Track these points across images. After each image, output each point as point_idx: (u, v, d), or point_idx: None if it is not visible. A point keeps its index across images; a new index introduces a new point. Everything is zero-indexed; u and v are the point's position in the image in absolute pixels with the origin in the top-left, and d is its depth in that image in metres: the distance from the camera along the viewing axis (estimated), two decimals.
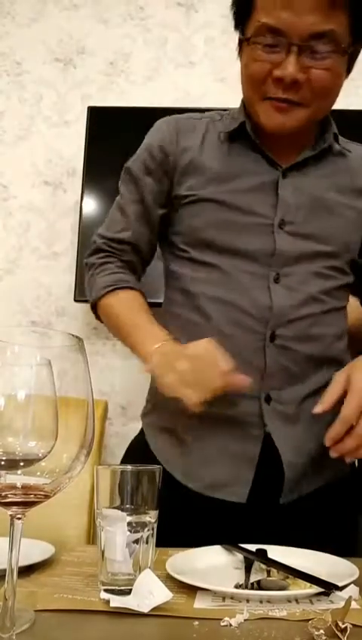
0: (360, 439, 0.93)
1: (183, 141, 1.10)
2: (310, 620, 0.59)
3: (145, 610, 0.63)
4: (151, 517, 0.75)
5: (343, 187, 1.10)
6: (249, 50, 0.99)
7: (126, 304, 1.11)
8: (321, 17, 0.94)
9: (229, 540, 0.89)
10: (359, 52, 1.04)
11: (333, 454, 0.95)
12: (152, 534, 0.75)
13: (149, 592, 0.65)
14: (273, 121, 1.02)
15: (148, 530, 0.74)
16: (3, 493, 0.50)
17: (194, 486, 1.05)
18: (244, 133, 1.08)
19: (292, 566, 0.76)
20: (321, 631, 0.57)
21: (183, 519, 1.01)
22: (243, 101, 1.09)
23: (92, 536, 1.44)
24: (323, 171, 1.10)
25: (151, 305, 1.13)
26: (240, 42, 1.03)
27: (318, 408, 0.97)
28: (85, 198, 2.22)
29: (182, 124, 1.13)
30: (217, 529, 0.97)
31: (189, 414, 0.97)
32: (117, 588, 0.70)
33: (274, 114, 1.01)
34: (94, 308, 1.15)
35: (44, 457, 0.50)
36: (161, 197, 1.12)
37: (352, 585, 0.70)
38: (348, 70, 1.04)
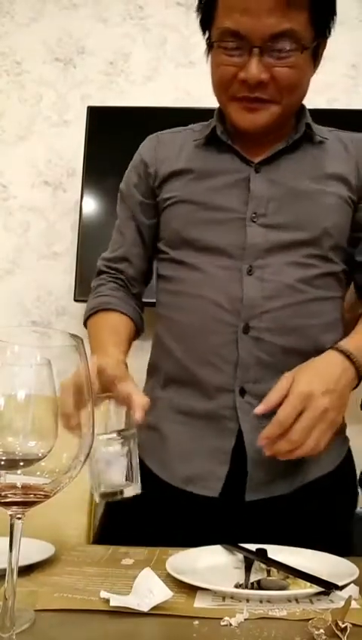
0: (292, 445, 0.92)
1: (162, 152, 1.16)
2: (310, 619, 0.59)
3: (145, 609, 0.63)
4: (132, 430, 0.89)
5: (319, 174, 1.10)
6: (214, 55, 1.03)
7: (99, 325, 1.15)
8: (280, 17, 0.97)
9: (202, 534, 0.91)
10: (324, 45, 1.07)
11: (267, 453, 0.94)
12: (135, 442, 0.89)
13: (149, 591, 0.65)
14: (244, 121, 1.05)
15: (134, 441, 0.88)
16: (3, 493, 0.50)
17: (169, 479, 1.05)
18: (217, 136, 1.12)
19: (292, 566, 0.76)
20: (321, 630, 0.57)
21: (160, 512, 1.03)
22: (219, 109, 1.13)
23: (92, 536, 1.44)
24: (298, 162, 1.11)
25: (149, 305, 1.18)
26: (208, 47, 1.06)
27: (259, 408, 0.95)
28: (85, 198, 2.22)
29: (162, 138, 1.20)
30: (192, 523, 1.00)
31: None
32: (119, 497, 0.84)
33: (244, 114, 1.04)
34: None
35: (44, 457, 0.50)
36: (149, 208, 1.18)
37: (352, 584, 0.70)
38: (315, 64, 1.07)
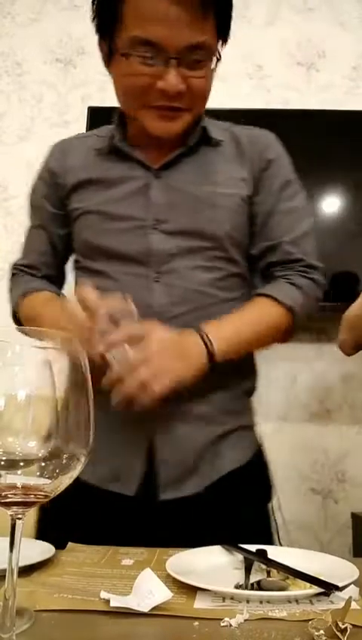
0: (138, 383, 0.94)
1: (69, 161, 1.18)
2: (310, 620, 0.59)
3: (145, 609, 0.63)
4: None
5: (217, 177, 1.12)
6: (124, 63, 1.02)
7: (35, 303, 1.16)
8: (195, 30, 0.98)
9: (120, 533, 0.92)
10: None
11: (114, 399, 0.96)
12: None
13: (149, 592, 0.65)
14: (160, 128, 1.07)
15: None
16: (3, 494, 0.50)
17: (89, 478, 1.03)
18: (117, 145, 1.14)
19: (292, 566, 0.76)
20: (321, 631, 0.57)
21: (79, 511, 1.03)
22: (117, 112, 1.16)
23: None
24: (197, 165, 1.13)
25: None
26: (110, 54, 1.05)
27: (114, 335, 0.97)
28: None
29: (68, 145, 1.22)
30: (110, 522, 1.02)
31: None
32: None
33: (160, 122, 1.06)
34: (15, 317, 1.21)
35: (44, 457, 0.50)
36: (60, 218, 1.19)
37: (352, 585, 0.70)
38: (215, 68, 1.07)
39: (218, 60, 1.05)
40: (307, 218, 1.19)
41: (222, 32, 1.04)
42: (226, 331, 1.06)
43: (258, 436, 1.19)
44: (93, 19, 1.06)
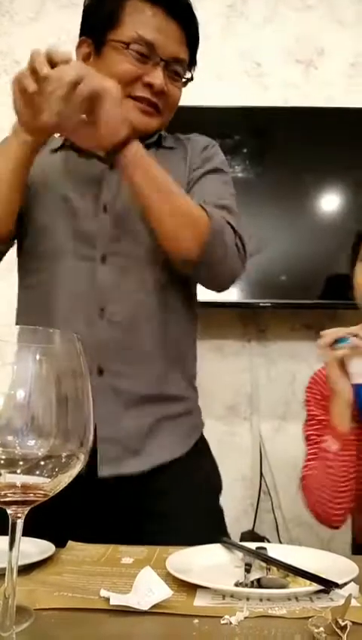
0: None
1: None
2: (310, 617, 0.59)
3: (145, 607, 0.63)
4: None
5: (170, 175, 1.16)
6: (121, 53, 1.13)
7: None
8: (181, 47, 1.17)
9: (60, 509, 0.90)
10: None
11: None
12: None
13: (149, 590, 0.65)
14: (139, 121, 1.14)
15: None
16: (2, 492, 0.50)
17: None
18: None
19: (292, 564, 0.76)
20: (321, 629, 0.57)
21: None
22: None
23: None
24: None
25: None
26: (102, 43, 1.15)
27: None
28: None
29: None
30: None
31: None
32: None
33: (140, 115, 1.15)
34: None
35: (43, 456, 0.50)
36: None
37: (352, 582, 0.70)
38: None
39: (188, 80, 1.21)
40: (231, 198, 1.23)
41: (192, 61, 1.22)
42: (148, 153, 1.09)
43: (200, 423, 1.24)
44: (84, 20, 1.19)
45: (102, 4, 1.17)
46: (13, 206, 1.13)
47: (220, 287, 1.21)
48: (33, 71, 0.98)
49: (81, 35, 1.20)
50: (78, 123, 1.01)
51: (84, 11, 1.20)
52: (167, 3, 1.13)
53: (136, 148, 1.05)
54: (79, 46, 1.19)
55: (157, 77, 1.13)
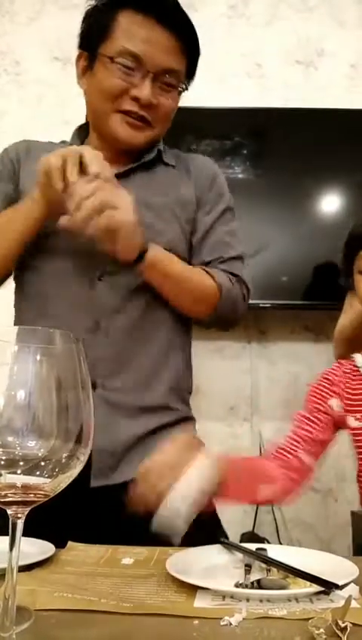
0: (83, 206, 1.00)
1: (30, 164, 1.21)
2: (310, 618, 0.59)
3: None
4: None
5: (170, 193, 1.21)
6: (108, 67, 1.13)
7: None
8: (172, 58, 1.14)
9: (50, 520, 0.90)
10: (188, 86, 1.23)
11: (62, 222, 1.03)
12: None
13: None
14: (125, 134, 1.16)
15: None
16: (3, 493, 0.50)
17: None
18: None
19: (292, 565, 0.76)
20: (321, 630, 0.57)
21: None
22: (76, 127, 1.31)
23: None
24: (150, 179, 1.22)
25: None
26: (93, 58, 1.16)
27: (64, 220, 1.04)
28: None
29: (33, 146, 1.31)
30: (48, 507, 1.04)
31: None
32: None
33: (127, 128, 1.16)
34: None
35: (43, 457, 0.50)
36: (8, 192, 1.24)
37: (352, 584, 0.70)
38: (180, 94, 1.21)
39: (183, 90, 1.19)
40: (239, 244, 1.28)
41: (191, 70, 1.20)
42: (162, 251, 1.14)
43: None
44: (81, 32, 1.18)
45: (97, 17, 1.16)
46: (15, 257, 1.18)
47: (226, 330, 1.32)
48: (63, 171, 1.03)
49: (79, 47, 1.20)
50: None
51: (81, 23, 1.20)
52: (158, 13, 1.12)
53: (151, 255, 1.10)
54: (78, 59, 1.20)
55: (143, 90, 1.12)
